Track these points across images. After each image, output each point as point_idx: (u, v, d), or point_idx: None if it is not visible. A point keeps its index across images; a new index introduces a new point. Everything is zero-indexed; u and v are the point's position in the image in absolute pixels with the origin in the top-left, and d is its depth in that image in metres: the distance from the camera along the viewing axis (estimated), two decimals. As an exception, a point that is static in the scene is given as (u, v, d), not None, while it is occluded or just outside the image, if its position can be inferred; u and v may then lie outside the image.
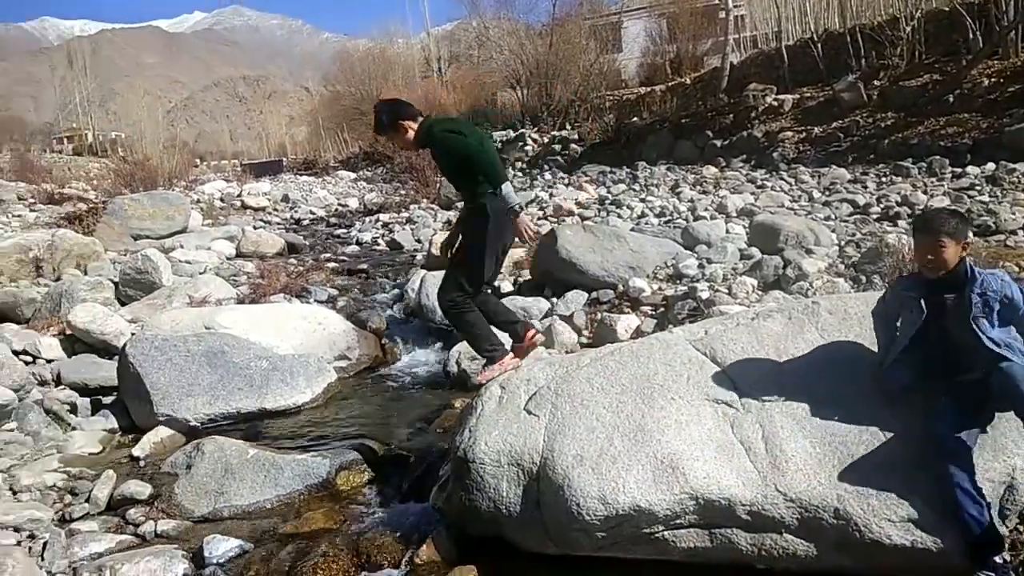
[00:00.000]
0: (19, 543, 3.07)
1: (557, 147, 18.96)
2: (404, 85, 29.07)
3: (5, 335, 5.53)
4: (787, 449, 2.54)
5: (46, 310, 6.37)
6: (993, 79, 11.56)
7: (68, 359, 5.43)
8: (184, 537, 3.20)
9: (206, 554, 2.95)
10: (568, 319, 5.56)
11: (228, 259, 9.69)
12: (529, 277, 6.74)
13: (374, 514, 3.26)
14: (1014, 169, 8.70)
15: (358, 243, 11.29)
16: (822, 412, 2.63)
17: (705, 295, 5.29)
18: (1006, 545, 2.28)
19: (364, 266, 9.12)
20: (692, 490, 2.47)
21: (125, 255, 8.91)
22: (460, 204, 3.79)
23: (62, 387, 5.03)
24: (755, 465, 2.52)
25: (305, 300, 7.14)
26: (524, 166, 18.37)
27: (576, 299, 5.83)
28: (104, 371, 5.16)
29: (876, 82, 13.44)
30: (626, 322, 5.24)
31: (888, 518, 2.32)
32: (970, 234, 2.58)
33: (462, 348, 5.01)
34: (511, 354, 3.52)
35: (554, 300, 5.93)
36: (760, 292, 5.40)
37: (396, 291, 7.36)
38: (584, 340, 5.32)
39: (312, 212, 15.83)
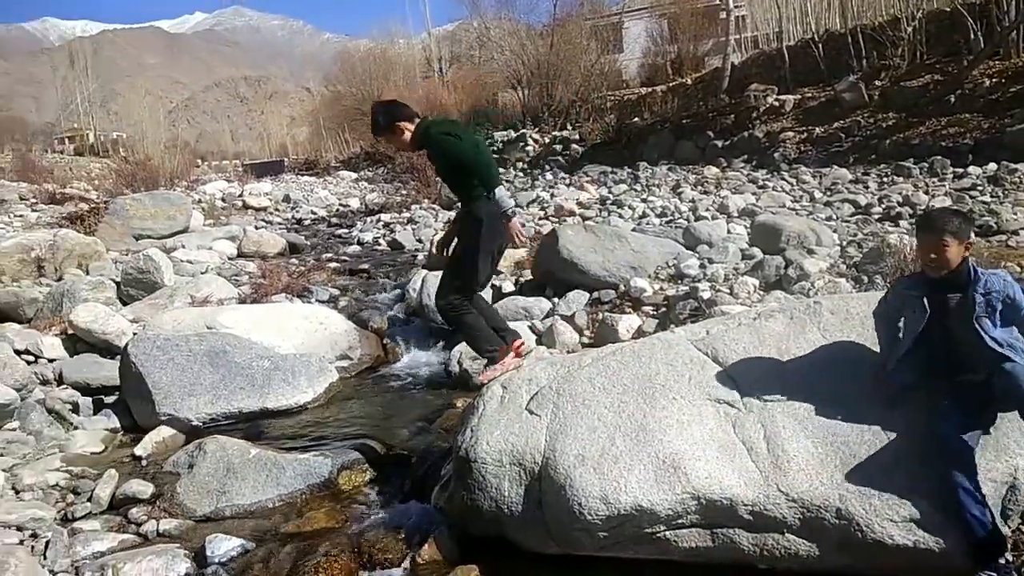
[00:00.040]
0: (22, 542, 3.07)
1: (558, 147, 18.97)
2: (405, 85, 29.11)
3: (7, 335, 5.54)
4: (789, 449, 2.54)
5: (48, 310, 6.37)
6: (994, 79, 11.56)
7: (70, 359, 5.44)
8: (186, 536, 3.20)
9: (208, 553, 2.95)
10: (569, 319, 5.57)
11: (230, 259, 9.70)
12: (531, 277, 6.73)
13: (376, 514, 3.26)
14: (1015, 169, 8.70)
15: (359, 243, 11.30)
16: (824, 412, 2.63)
17: (707, 295, 5.29)
18: (1008, 545, 2.28)
19: (365, 266, 9.12)
20: (694, 490, 2.47)
21: (127, 255, 8.92)
22: (460, 204, 3.81)
23: (64, 387, 5.04)
24: (757, 465, 2.52)
25: (307, 300, 7.15)
26: (525, 166, 18.38)
27: (577, 299, 5.83)
28: (106, 371, 5.16)
29: (877, 82, 13.44)
30: (628, 322, 5.23)
31: (890, 518, 2.32)
32: (972, 234, 2.58)
33: (463, 348, 5.01)
34: (512, 353, 3.52)
35: (556, 300, 5.93)
36: (762, 292, 5.40)
37: (397, 291, 7.36)
38: (586, 340, 5.32)
39: (313, 212, 15.84)
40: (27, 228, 10.95)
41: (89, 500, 3.51)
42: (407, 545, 2.90)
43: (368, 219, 13.70)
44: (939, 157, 10.04)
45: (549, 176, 15.90)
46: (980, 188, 8.36)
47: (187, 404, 4.49)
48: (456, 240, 3.64)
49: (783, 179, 11.00)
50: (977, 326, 2.42)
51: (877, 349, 2.77)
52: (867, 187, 9.47)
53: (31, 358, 5.34)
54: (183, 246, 9.80)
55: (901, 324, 2.67)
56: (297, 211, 15.94)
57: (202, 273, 8.19)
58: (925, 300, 2.53)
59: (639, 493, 2.48)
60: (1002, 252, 5.70)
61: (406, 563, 2.82)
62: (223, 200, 16.90)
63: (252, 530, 3.21)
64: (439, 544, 2.86)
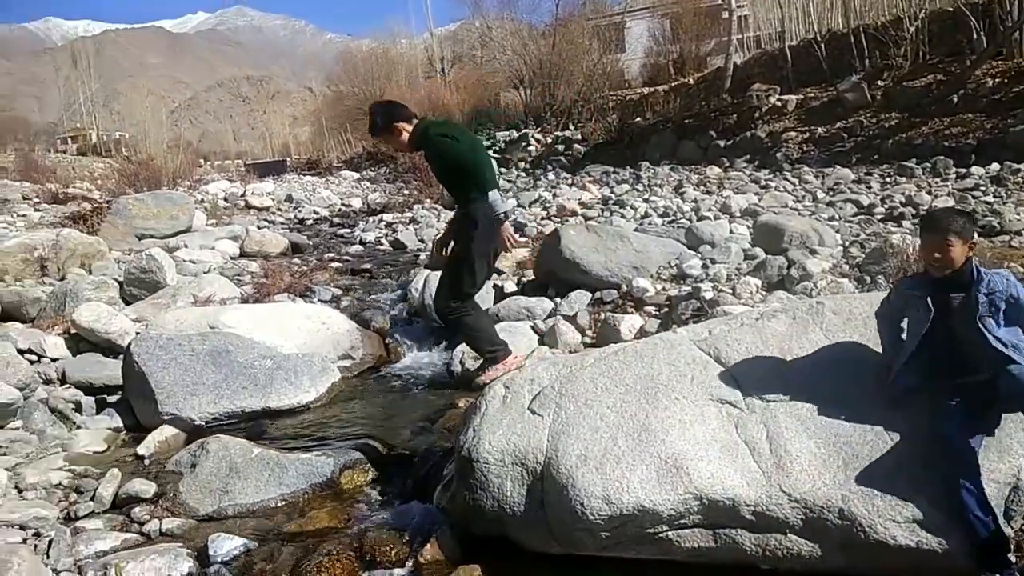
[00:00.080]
0: (25, 541, 3.07)
1: (560, 147, 18.97)
2: (407, 85, 29.15)
3: (10, 334, 5.55)
4: (791, 449, 2.53)
5: (51, 309, 6.38)
6: (997, 79, 11.54)
7: (73, 358, 5.44)
8: (189, 535, 3.20)
9: (211, 552, 2.95)
10: (572, 319, 5.57)
11: (232, 259, 9.70)
12: (533, 277, 6.73)
13: (378, 513, 3.26)
14: (1018, 169, 8.69)
15: (361, 243, 11.30)
16: (827, 412, 2.63)
17: (709, 295, 5.29)
18: (1012, 546, 2.27)
19: (368, 266, 9.12)
20: (696, 490, 2.47)
21: (129, 254, 8.92)
22: (457, 205, 3.82)
23: (67, 386, 5.04)
24: (759, 465, 2.52)
25: (309, 300, 7.15)
26: (527, 166, 18.40)
27: (580, 299, 5.83)
28: (109, 370, 5.16)
29: (880, 82, 13.42)
30: (630, 322, 5.23)
31: (893, 519, 2.32)
32: (976, 234, 2.58)
33: (465, 348, 5.01)
34: (513, 353, 3.53)
35: (558, 300, 5.93)
36: (764, 292, 5.40)
37: (400, 291, 7.36)
38: (588, 340, 5.31)
39: (316, 212, 15.84)
40: (30, 228, 10.97)
41: (92, 499, 3.51)
42: (409, 545, 2.89)
43: (370, 219, 13.70)
44: (942, 157, 10.03)
45: (551, 176, 15.91)
46: (983, 188, 8.34)
47: (190, 403, 4.49)
48: (453, 242, 3.65)
49: (785, 179, 10.99)
50: (980, 326, 2.42)
51: (880, 350, 2.77)
52: (870, 187, 9.46)
53: (34, 357, 5.35)
54: (186, 246, 9.80)
55: (904, 324, 2.67)
56: (299, 211, 15.95)
57: (205, 273, 8.19)
58: (928, 300, 2.53)
59: (641, 493, 2.48)
60: (1005, 252, 5.69)
61: (408, 563, 2.82)
62: (225, 200, 16.92)
63: (254, 529, 3.21)
64: (441, 544, 2.86)
